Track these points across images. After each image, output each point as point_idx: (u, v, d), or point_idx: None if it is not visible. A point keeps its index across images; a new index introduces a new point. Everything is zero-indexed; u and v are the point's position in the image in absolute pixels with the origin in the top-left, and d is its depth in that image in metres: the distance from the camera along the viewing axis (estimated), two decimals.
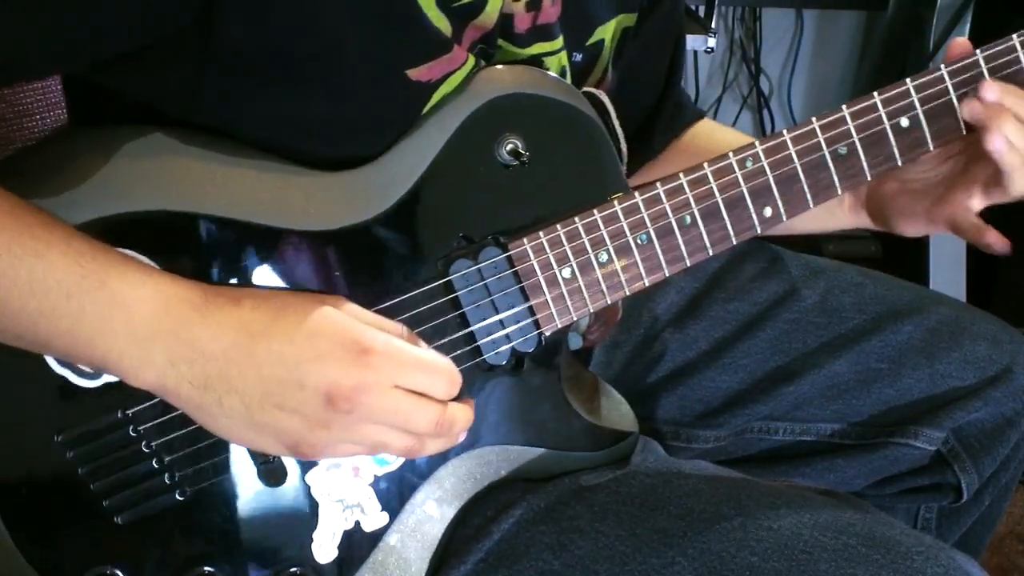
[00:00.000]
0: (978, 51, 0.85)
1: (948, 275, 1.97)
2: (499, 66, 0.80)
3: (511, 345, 0.81)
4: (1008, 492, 1.09)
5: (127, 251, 0.71)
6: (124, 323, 0.66)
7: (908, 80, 0.84)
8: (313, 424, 0.68)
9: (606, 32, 0.92)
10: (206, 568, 0.77)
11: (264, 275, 0.75)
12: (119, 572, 0.76)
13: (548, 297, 0.81)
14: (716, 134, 1.11)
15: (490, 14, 0.79)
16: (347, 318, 0.69)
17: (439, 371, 0.70)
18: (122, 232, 0.72)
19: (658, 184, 0.81)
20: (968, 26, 1.95)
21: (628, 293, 0.83)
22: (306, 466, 0.78)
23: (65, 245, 0.67)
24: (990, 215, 0.90)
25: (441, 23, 0.76)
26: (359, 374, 0.67)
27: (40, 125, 1.07)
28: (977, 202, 0.89)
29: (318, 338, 0.67)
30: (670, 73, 1.07)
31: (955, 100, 0.85)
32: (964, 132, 0.85)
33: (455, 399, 0.72)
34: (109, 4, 0.66)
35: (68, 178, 0.72)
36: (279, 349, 0.67)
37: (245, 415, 0.68)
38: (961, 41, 0.87)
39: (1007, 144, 0.82)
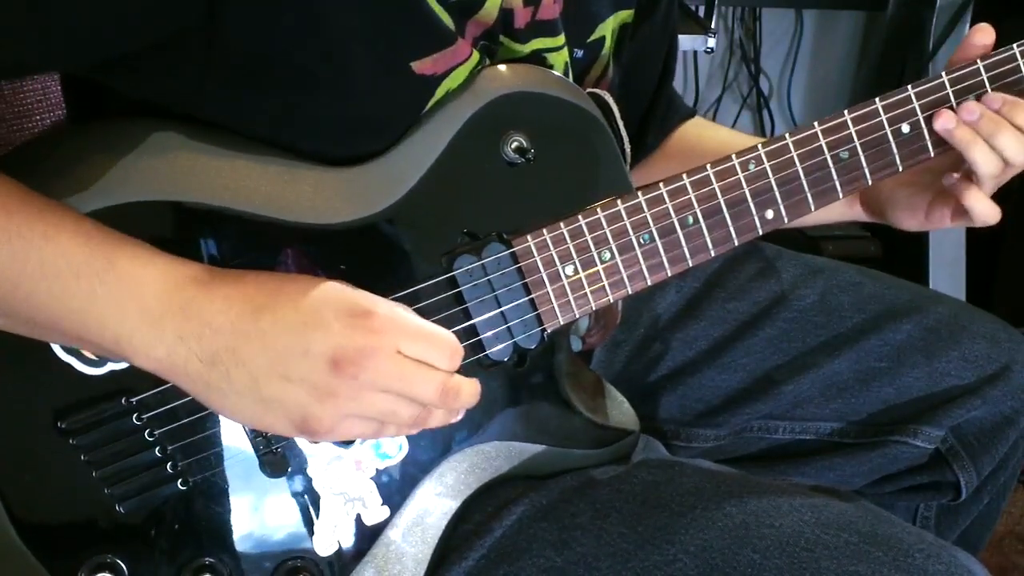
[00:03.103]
0: (979, 60, 0.85)
1: (948, 275, 1.97)
2: (504, 64, 0.81)
3: (513, 341, 0.81)
4: (1007, 490, 1.10)
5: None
6: (134, 302, 0.67)
7: (910, 87, 0.85)
8: (321, 393, 0.67)
9: (606, 29, 0.93)
10: (207, 558, 0.78)
11: (268, 267, 0.75)
12: (120, 561, 0.76)
13: (551, 294, 0.81)
14: (706, 132, 1.11)
15: (490, 10, 0.80)
16: (348, 288, 0.69)
17: (440, 342, 0.70)
18: (128, 222, 0.71)
19: (661, 184, 0.82)
20: (967, 26, 1.95)
21: (630, 292, 0.83)
22: (308, 458, 0.78)
23: (74, 227, 0.67)
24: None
25: (444, 17, 0.76)
26: (364, 338, 0.67)
27: (40, 125, 1.07)
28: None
29: (322, 306, 0.67)
30: (664, 71, 1.07)
31: (955, 108, 0.85)
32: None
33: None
34: (109, 6, 0.67)
35: (76, 168, 0.73)
36: (284, 318, 0.67)
37: (253, 389, 0.68)
38: (984, 27, 0.87)
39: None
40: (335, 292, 0.68)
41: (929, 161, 0.88)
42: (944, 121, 0.84)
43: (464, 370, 0.73)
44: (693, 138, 1.10)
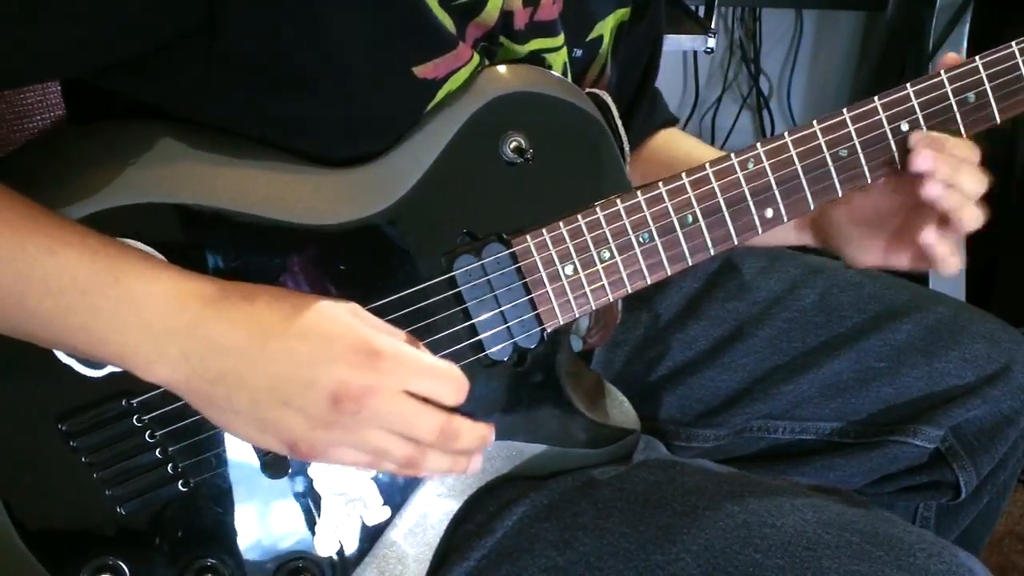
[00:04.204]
0: (977, 58, 0.85)
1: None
2: (503, 65, 0.81)
3: (513, 341, 0.81)
4: (1007, 490, 1.10)
5: (135, 243, 0.72)
6: (138, 318, 0.67)
7: (908, 85, 0.85)
8: (316, 423, 0.68)
9: (605, 27, 0.93)
10: (208, 559, 0.78)
11: (269, 269, 0.75)
12: (121, 562, 0.76)
13: (550, 293, 0.81)
14: (676, 140, 1.11)
15: (491, 12, 0.80)
16: (359, 322, 0.69)
17: (447, 377, 0.70)
18: (130, 224, 0.72)
19: (660, 184, 0.82)
20: (967, 26, 1.95)
21: (630, 291, 0.83)
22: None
23: (79, 242, 0.67)
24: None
25: (445, 21, 0.76)
26: (368, 377, 0.67)
27: (40, 126, 1.07)
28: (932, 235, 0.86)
29: (331, 340, 0.67)
30: (647, 68, 1.07)
31: (955, 106, 0.85)
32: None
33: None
34: (108, 11, 0.67)
35: (76, 172, 0.73)
36: (292, 348, 0.67)
37: (252, 411, 0.68)
38: (953, 56, 0.87)
39: (944, 187, 0.83)
40: (345, 326, 0.68)
41: (878, 197, 0.88)
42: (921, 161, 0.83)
43: (464, 370, 0.72)
44: (662, 144, 1.09)
